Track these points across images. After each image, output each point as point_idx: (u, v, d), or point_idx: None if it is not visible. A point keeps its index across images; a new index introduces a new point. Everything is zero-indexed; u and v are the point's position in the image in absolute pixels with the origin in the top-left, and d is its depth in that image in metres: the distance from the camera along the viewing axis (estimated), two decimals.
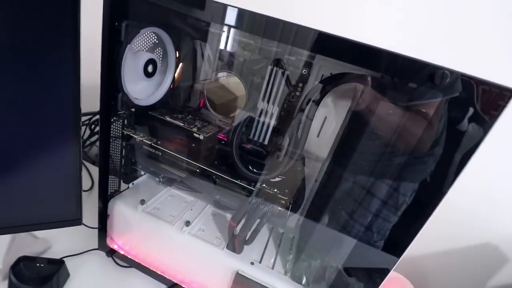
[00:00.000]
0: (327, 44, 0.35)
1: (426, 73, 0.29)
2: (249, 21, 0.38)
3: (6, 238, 0.58)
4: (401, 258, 0.39)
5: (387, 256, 0.40)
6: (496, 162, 0.58)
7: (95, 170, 0.83)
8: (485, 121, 0.29)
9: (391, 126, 0.42)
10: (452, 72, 0.28)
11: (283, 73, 0.47)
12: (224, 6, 0.38)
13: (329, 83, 0.46)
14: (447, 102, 0.32)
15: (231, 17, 0.38)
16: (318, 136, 0.53)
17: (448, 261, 0.66)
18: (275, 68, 0.47)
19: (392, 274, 0.59)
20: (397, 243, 0.39)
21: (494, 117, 0.28)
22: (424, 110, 0.36)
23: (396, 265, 0.39)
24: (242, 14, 0.37)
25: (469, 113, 0.31)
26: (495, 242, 0.61)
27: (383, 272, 0.42)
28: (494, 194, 0.60)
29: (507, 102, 0.27)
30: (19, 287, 0.49)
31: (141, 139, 0.54)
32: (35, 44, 0.38)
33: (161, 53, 0.53)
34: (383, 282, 0.42)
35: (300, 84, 0.50)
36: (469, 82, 0.29)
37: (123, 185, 0.60)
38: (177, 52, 0.54)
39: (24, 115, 0.42)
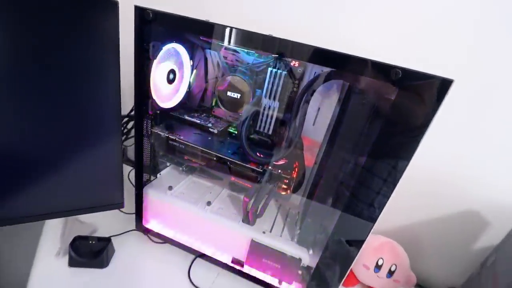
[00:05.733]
0: (313, 54, 0.43)
1: (386, 71, 0.38)
2: (247, 38, 0.47)
3: (59, 224, 0.70)
4: (377, 222, 0.46)
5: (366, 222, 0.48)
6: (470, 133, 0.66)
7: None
8: None
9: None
10: (403, 69, 0.37)
11: (283, 70, 0.56)
12: (224, 27, 0.47)
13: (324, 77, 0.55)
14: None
15: (232, 35, 0.48)
16: (313, 124, 0.63)
17: (437, 228, 0.75)
18: (273, 70, 0.57)
19: (383, 239, 0.69)
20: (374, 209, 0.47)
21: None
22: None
23: (372, 228, 0.47)
24: (240, 33, 0.46)
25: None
26: (476, 207, 0.69)
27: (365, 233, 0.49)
28: (473, 163, 0.68)
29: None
30: (77, 260, 0.61)
31: (166, 135, 0.65)
32: (87, 59, 0.50)
33: (179, 63, 0.63)
34: (372, 243, 0.50)
35: (296, 81, 0.60)
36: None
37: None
38: (191, 61, 0.64)
39: (79, 113, 0.53)
